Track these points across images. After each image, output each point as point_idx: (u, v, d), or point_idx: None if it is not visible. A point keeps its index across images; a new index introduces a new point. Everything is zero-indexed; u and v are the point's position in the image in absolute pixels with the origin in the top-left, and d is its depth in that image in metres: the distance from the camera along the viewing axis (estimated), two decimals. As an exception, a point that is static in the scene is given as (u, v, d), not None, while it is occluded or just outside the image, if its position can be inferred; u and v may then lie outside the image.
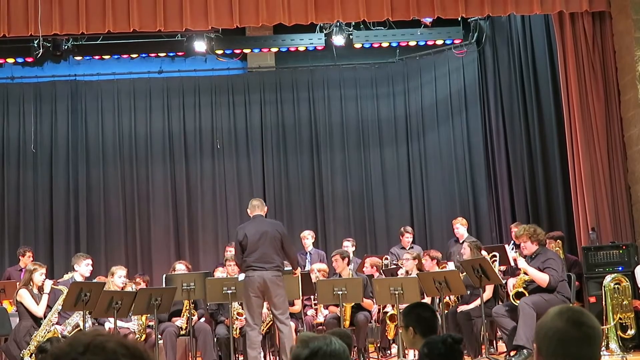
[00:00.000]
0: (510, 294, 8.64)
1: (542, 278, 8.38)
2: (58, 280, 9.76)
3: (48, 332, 8.57)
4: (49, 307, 8.87)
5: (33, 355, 8.35)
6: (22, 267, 11.56)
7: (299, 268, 9.33)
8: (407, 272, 9.81)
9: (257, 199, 9.34)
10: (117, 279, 9.56)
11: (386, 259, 11.74)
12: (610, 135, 10.51)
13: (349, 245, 11.68)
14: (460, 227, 11.68)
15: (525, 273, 8.52)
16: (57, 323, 8.74)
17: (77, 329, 8.61)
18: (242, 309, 9.79)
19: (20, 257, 11.76)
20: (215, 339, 9.67)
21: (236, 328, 9.49)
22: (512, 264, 9.95)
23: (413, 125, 14.54)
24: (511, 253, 10.06)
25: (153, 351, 8.92)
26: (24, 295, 8.80)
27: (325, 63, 14.54)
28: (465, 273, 8.90)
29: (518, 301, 8.43)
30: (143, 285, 10.32)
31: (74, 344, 1.68)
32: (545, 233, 9.27)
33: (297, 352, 3.06)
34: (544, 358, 2.64)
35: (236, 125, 14.49)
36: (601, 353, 2.89)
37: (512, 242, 10.85)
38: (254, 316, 8.61)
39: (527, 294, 8.46)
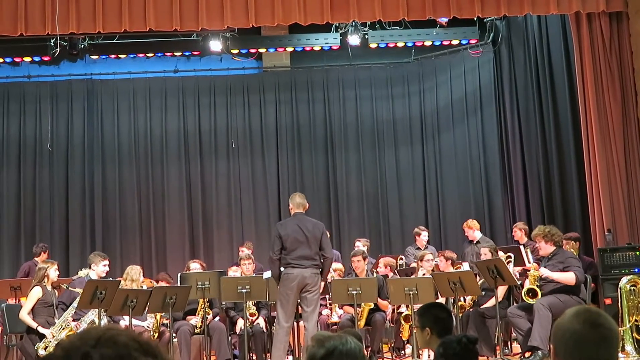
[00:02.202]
0: (522, 291, 8.62)
1: (569, 277, 8.38)
2: (73, 278, 9.80)
3: (63, 328, 8.62)
4: (65, 305, 8.93)
5: (47, 348, 8.42)
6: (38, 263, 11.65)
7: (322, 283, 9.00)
8: (426, 273, 9.80)
9: (300, 195, 9.12)
10: (140, 277, 9.63)
11: (401, 259, 11.72)
12: (627, 136, 10.47)
13: (360, 245, 11.66)
14: (469, 231, 11.64)
15: (541, 277, 8.49)
16: (72, 320, 8.79)
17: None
18: (256, 309, 9.83)
19: (42, 253, 11.82)
20: (235, 335, 9.67)
21: (251, 324, 9.50)
22: (528, 264, 9.92)
23: (428, 125, 14.52)
24: (525, 253, 10.02)
25: (168, 349, 8.96)
26: (32, 294, 8.85)
27: (341, 63, 14.53)
28: (483, 280, 8.88)
29: (530, 299, 8.40)
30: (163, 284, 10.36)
31: (85, 337, 1.67)
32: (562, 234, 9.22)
33: (312, 351, 3.06)
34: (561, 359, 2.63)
35: (251, 125, 14.51)
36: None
37: (517, 242, 10.86)
38: (287, 314, 8.58)
39: (539, 292, 8.44)
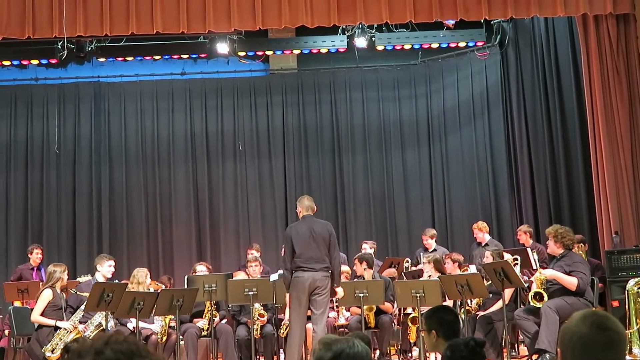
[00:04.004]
0: (529, 294, 8.59)
1: (571, 281, 8.34)
2: (80, 280, 9.81)
3: (70, 331, 8.63)
4: (73, 308, 8.94)
5: (54, 350, 8.44)
6: (33, 266, 11.65)
7: (340, 288, 8.94)
8: (429, 276, 9.78)
9: (309, 197, 9.12)
10: (147, 280, 9.65)
11: (407, 261, 11.71)
12: (634, 138, 10.45)
13: (367, 248, 11.64)
14: (479, 233, 11.62)
15: (547, 280, 8.47)
16: (80, 323, 8.80)
17: (99, 329, 8.66)
18: (264, 310, 9.83)
19: (29, 255, 11.85)
20: (235, 341, 9.68)
21: (257, 329, 9.51)
22: (535, 266, 9.90)
23: (435, 127, 14.51)
24: (532, 256, 10.00)
25: (175, 351, 8.97)
26: (42, 296, 8.87)
27: (348, 65, 14.53)
28: (489, 282, 8.86)
29: (537, 302, 8.38)
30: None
31: (96, 340, 1.80)
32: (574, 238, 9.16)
33: (319, 354, 3.06)
34: (569, 363, 2.63)
35: (258, 127, 14.52)
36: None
37: (522, 245, 10.86)
38: (299, 317, 8.59)
39: (545, 295, 8.42)
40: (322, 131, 14.58)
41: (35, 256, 11.70)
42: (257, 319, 9.52)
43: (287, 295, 8.75)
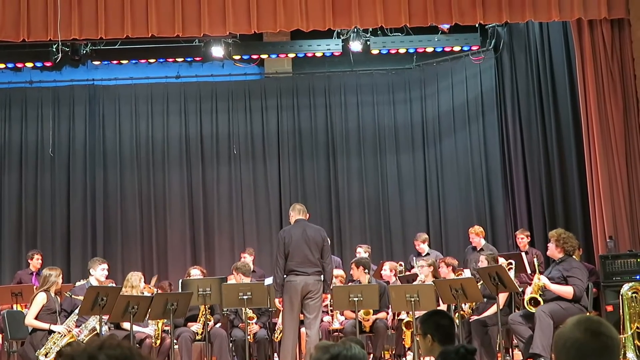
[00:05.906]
0: (525, 299, 8.59)
1: (566, 291, 8.33)
2: (76, 284, 9.80)
3: (64, 335, 8.61)
4: (67, 312, 8.92)
5: (48, 354, 8.43)
6: (32, 271, 11.67)
7: (329, 294, 9.10)
8: (422, 281, 9.77)
9: (300, 203, 9.26)
10: (141, 284, 9.63)
11: (400, 265, 11.71)
12: (629, 143, 10.46)
13: (361, 252, 11.64)
14: (475, 237, 11.63)
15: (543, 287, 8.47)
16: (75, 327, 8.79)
17: (93, 333, 8.64)
18: (253, 312, 9.81)
19: (29, 261, 11.88)
20: (231, 342, 9.67)
21: (250, 333, 9.49)
22: (529, 270, 9.91)
23: (429, 131, 14.51)
24: (531, 260, 10.00)
25: (169, 355, 8.96)
26: (37, 299, 8.84)
27: (342, 69, 14.54)
28: (482, 282, 8.87)
29: (532, 307, 8.38)
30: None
31: (90, 343, 1.79)
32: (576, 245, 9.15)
33: (317, 356, 3.08)
34: (563, 368, 2.63)
35: (253, 131, 14.52)
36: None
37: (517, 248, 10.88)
38: (292, 321, 8.59)
39: (541, 301, 8.42)
40: (317, 135, 14.58)
41: (36, 262, 11.76)
42: (248, 323, 9.49)
43: (278, 299, 8.77)
